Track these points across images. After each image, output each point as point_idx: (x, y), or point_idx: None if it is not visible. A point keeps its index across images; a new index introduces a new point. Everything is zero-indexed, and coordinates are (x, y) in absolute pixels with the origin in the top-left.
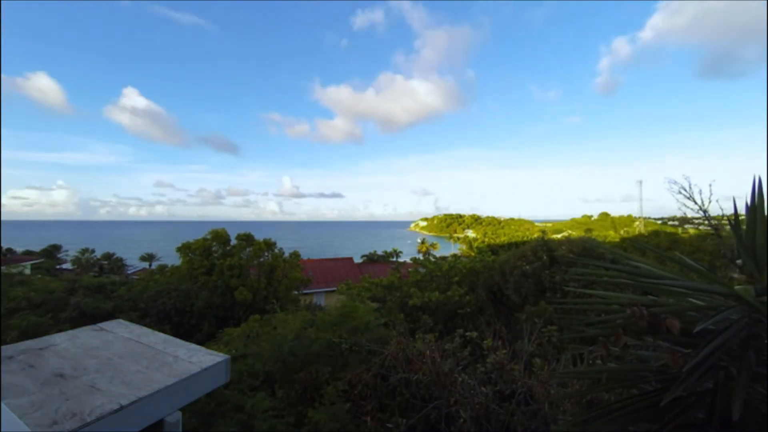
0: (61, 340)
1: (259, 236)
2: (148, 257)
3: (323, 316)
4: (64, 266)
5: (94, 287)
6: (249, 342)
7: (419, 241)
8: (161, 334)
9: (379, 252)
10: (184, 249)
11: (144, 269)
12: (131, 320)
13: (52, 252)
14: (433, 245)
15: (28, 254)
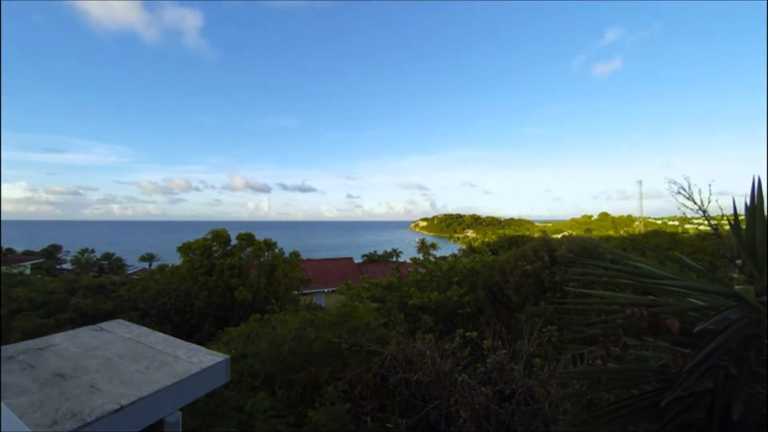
0: (61, 340)
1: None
2: (148, 257)
3: (323, 316)
4: (64, 266)
5: (94, 287)
6: (249, 342)
7: (417, 241)
8: (161, 334)
9: (379, 252)
10: (185, 249)
11: (144, 269)
12: (131, 320)
13: (51, 252)
14: (433, 245)
15: (28, 254)
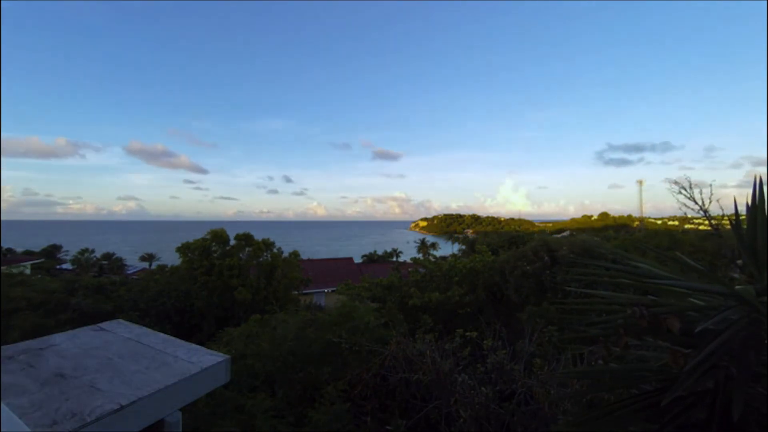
0: (61, 340)
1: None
2: (148, 257)
3: (323, 316)
4: (64, 266)
5: (94, 287)
6: (249, 342)
7: (417, 241)
8: (161, 334)
9: (379, 252)
10: (184, 249)
11: (144, 269)
12: (131, 320)
13: (51, 252)
14: (433, 245)
15: (28, 254)
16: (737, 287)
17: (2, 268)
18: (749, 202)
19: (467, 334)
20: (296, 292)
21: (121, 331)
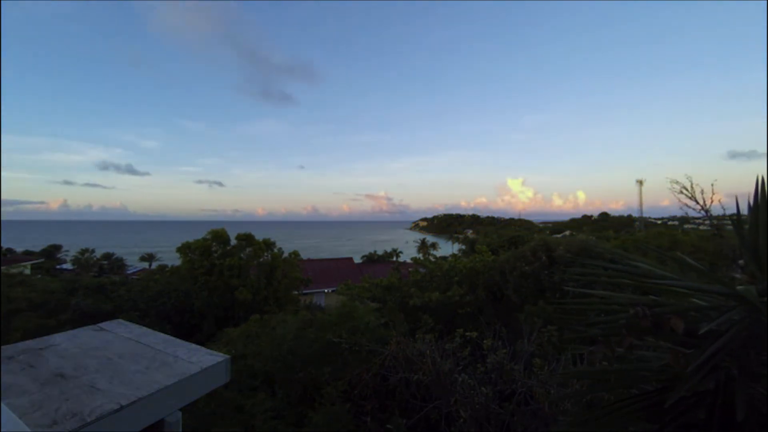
0: (61, 340)
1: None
2: (148, 257)
3: (323, 316)
4: (64, 266)
5: (95, 288)
6: (249, 342)
7: (417, 241)
8: (161, 334)
9: (380, 252)
10: (184, 249)
11: (144, 269)
12: (131, 320)
13: (52, 252)
14: (433, 245)
15: (28, 254)
16: (738, 287)
17: (2, 268)
18: (751, 202)
19: (467, 334)
20: (296, 292)
21: (121, 331)
